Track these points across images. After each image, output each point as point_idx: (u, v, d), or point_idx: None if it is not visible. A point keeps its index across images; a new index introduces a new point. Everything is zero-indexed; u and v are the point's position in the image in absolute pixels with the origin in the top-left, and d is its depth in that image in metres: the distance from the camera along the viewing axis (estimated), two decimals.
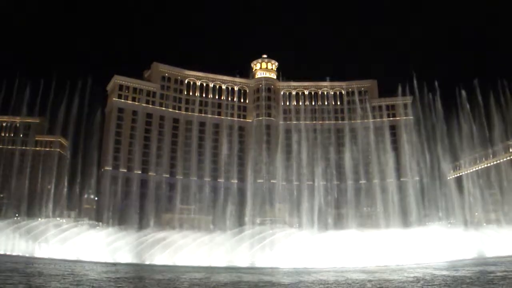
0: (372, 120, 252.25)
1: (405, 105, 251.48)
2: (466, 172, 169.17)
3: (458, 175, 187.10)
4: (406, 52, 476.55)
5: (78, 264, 70.40)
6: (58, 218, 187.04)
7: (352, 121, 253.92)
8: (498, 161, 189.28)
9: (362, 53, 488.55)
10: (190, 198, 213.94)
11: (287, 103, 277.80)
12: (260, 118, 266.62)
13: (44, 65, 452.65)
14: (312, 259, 76.92)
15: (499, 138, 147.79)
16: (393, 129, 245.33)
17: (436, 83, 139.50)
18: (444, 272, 52.33)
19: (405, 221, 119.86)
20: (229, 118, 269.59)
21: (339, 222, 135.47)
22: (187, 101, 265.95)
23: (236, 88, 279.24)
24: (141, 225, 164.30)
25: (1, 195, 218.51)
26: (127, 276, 52.51)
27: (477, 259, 78.82)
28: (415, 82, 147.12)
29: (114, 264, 73.29)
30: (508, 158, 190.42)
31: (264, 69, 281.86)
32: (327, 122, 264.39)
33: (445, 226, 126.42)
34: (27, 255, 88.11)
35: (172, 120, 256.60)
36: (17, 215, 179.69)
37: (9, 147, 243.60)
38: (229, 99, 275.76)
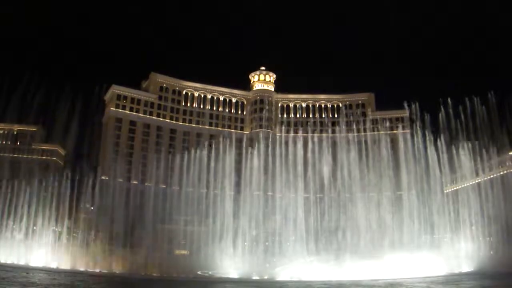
0: (369, 133, 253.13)
1: (403, 119, 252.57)
2: (463, 185, 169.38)
3: (456, 188, 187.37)
4: (406, 65, 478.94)
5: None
6: (53, 227, 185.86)
7: (349, 134, 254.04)
8: (496, 174, 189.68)
9: (360, 66, 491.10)
10: (186, 209, 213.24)
11: (285, 116, 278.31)
12: (257, 130, 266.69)
13: (43, 74, 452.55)
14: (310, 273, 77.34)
15: (498, 152, 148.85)
16: (391, 142, 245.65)
17: (434, 97, 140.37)
18: (443, 287, 52.32)
19: (401, 234, 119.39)
20: (226, 129, 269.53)
21: (333, 236, 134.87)
22: (184, 112, 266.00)
23: (233, 100, 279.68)
24: (137, 236, 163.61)
25: None
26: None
27: (467, 274, 79.06)
28: (412, 95, 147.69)
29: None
30: (506, 171, 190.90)
31: (262, 81, 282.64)
32: (324, 134, 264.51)
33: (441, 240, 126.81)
34: None
35: (169, 130, 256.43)
36: (13, 223, 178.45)
37: (6, 154, 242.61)
38: (227, 110, 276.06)
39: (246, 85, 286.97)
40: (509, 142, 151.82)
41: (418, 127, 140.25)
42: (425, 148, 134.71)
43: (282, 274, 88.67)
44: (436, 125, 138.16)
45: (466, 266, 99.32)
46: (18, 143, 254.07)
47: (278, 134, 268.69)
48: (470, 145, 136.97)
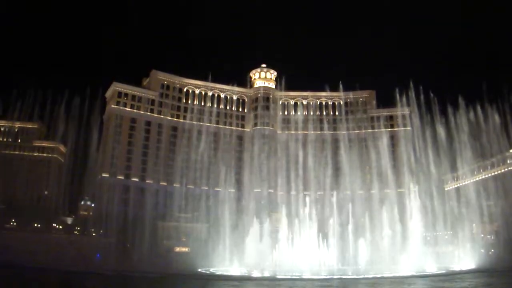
0: (370, 130, 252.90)
1: (403, 116, 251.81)
2: (464, 183, 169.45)
3: (456, 185, 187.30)
4: (406, 63, 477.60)
5: None
6: (54, 224, 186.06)
7: (350, 132, 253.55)
8: (497, 172, 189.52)
9: (362, 64, 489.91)
10: (187, 206, 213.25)
11: (286, 113, 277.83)
12: (258, 127, 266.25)
13: (44, 71, 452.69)
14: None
15: (498, 149, 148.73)
16: (392, 139, 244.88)
17: (434, 95, 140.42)
18: (446, 284, 52.13)
19: (401, 231, 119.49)
20: (227, 127, 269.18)
21: (334, 233, 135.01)
22: (185, 109, 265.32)
23: (234, 97, 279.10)
24: (138, 233, 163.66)
25: None
26: None
27: (468, 272, 78.95)
28: (413, 93, 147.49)
29: None
30: (506, 169, 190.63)
31: (263, 78, 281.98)
32: (325, 132, 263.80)
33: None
34: None
35: (170, 128, 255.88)
36: (13, 220, 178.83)
37: (7, 152, 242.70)
38: (228, 108, 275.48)
39: (247, 82, 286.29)
40: (510, 140, 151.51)
41: (419, 125, 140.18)
42: (426, 145, 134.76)
43: (284, 271, 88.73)
44: (438, 123, 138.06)
45: (467, 264, 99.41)
46: (19, 140, 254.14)
47: (278, 131, 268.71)
48: (471, 142, 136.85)
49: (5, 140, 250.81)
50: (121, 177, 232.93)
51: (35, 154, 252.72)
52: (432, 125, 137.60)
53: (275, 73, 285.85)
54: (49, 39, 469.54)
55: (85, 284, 51.47)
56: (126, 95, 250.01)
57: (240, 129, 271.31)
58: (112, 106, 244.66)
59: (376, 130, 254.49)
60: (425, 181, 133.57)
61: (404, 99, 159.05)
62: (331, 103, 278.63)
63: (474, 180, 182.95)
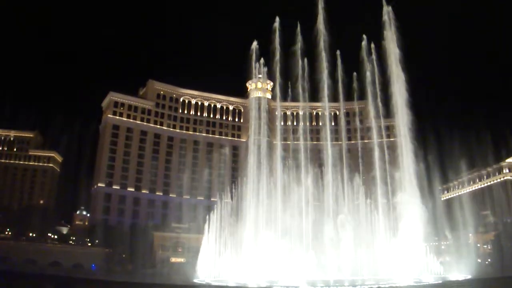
0: (367, 140, 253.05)
1: (401, 126, 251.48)
2: (460, 192, 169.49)
3: (453, 195, 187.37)
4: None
5: None
6: (49, 234, 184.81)
7: (347, 142, 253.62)
8: (492, 182, 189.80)
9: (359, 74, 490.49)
10: (183, 216, 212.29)
11: (282, 123, 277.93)
12: (254, 137, 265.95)
13: (40, 80, 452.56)
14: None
15: (492, 160, 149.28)
16: (389, 149, 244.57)
17: (431, 105, 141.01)
18: None
19: (400, 240, 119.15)
20: (223, 137, 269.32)
21: (331, 244, 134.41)
22: (181, 119, 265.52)
23: (231, 108, 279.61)
24: (133, 243, 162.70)
25: None
26: None
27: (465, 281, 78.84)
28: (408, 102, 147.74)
29: None
30: (502, 179, 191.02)
31: (260, 89, 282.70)
32: (322, 142, 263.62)
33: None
34: None
35: (166, 138, 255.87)
36: (8, 230, 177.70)
37: (2, 160, 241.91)
38: (224, 118, 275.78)
39: (243, 92, 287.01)
40: (506, 150, 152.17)
41: (417, 134, 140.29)
42: (423, 155, 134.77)
43: (281, 281, 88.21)
44: (435, 132, 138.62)
45: (464, 273, 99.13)
46: (15, 149, 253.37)
47: (274, 142, 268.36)
48: (467, 153, 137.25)
49: (0, 148, 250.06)
50: (117, 187, 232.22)
51: (31, 163, 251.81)
52: (429, 135, 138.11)
53: (272, 83, 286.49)
54: (46, 47, 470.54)
55: None
56: (122, 104, 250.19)
57: (236, 139, 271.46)
58: (109, 115, 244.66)
59: (372, 140, 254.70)
60: (422, 191, 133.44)
61: (400, 107, 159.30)
62: (327, 114, 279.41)
63: (470, 189, 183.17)
